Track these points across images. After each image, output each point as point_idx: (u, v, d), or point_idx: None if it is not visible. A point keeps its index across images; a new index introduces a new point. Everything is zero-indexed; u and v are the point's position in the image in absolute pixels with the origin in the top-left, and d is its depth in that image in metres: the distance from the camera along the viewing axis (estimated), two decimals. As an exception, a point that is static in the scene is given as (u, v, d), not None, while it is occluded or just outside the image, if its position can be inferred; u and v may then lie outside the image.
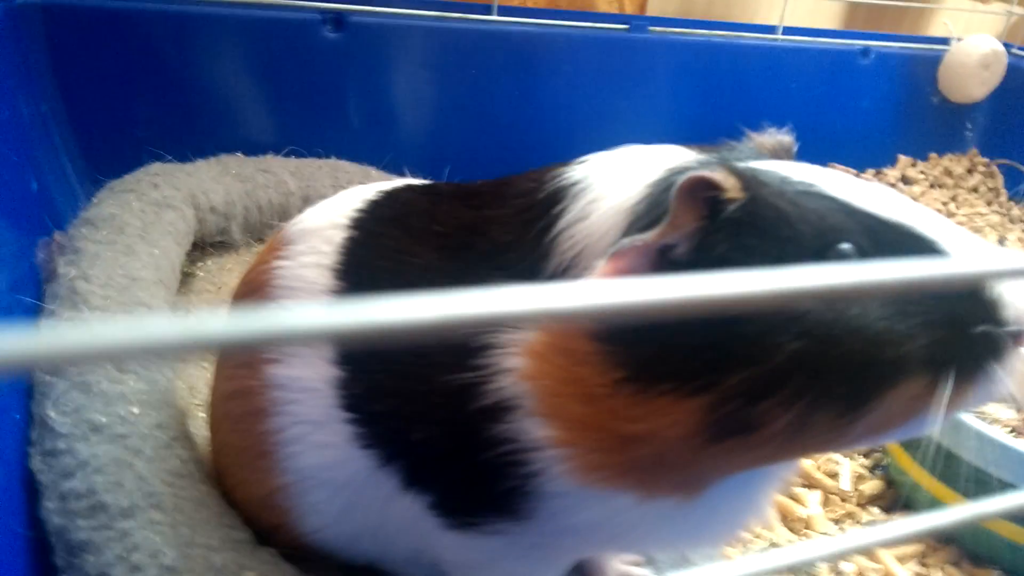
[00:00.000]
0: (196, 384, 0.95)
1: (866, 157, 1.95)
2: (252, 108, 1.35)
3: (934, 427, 0.44)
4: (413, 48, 1.44)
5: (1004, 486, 0.84)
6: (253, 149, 1.31)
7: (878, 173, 1.96)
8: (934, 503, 0.91)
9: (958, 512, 0.33)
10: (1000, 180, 1.99)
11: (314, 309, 0.19)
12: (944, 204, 1.88)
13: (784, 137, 0.58)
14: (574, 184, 0.55)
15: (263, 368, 0.63)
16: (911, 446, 0.96)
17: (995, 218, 1.86)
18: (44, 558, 0.65)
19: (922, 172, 1.98)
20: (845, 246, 0.45)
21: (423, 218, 0.60)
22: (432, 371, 0.53)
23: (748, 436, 0.46)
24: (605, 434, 0.49)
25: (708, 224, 0.46)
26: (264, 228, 1.23)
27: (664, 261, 0.47)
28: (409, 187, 0.67)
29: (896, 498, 0.99)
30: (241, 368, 0.66)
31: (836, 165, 1.93)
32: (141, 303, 0.89)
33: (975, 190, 1.97)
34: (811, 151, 1.90)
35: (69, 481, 0.66)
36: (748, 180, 0.47)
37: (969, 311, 0.45)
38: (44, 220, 1.00)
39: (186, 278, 1.10)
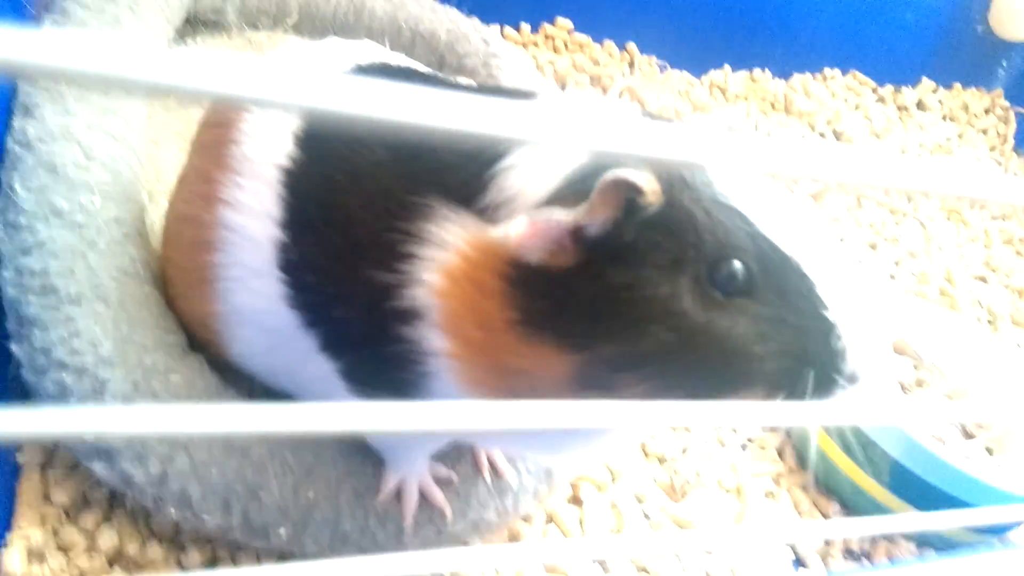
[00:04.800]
0: (163, 169, 0.99)
1: (891, 71, 1.90)
2: None
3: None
4: None
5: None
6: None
7: (896, 90, 1.92)
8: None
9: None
10: (1013, 128, 1.96)
11: (293, 80, 0.20)
12: (947, 139, 1.86)
13: None
14: None
15: (217, 206, 0.67)
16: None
17: (990, 166, 1.86)
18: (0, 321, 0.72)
19: (940, 100, 1.94)
20: (737, 265, 0.50)
21: None
22: (361, 262, 0.58)
23: (605, 394, 0.53)
24: (491, 360, 0.55)
25: (622, 216, 0.50)
26: (260, 15, 1.20)
27: (576, 237, 0.51)
28: (385, 68, 0.68)
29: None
30: (198, 198, 0.70)
31: (857, 74, 1.89)
32: (120, 84, 0.90)
33: (984, 131, 1.94)
34: (836, 53, 1.85)
35: (26, 258, 0.72)
36: (670, 185, 0.50)
37: (817, 350, 0.51)
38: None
39: (173, 54, 1.10)
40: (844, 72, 1.87)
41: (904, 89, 1.93)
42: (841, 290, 0.52)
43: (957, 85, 1.97)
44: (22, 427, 0.21)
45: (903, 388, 1.11)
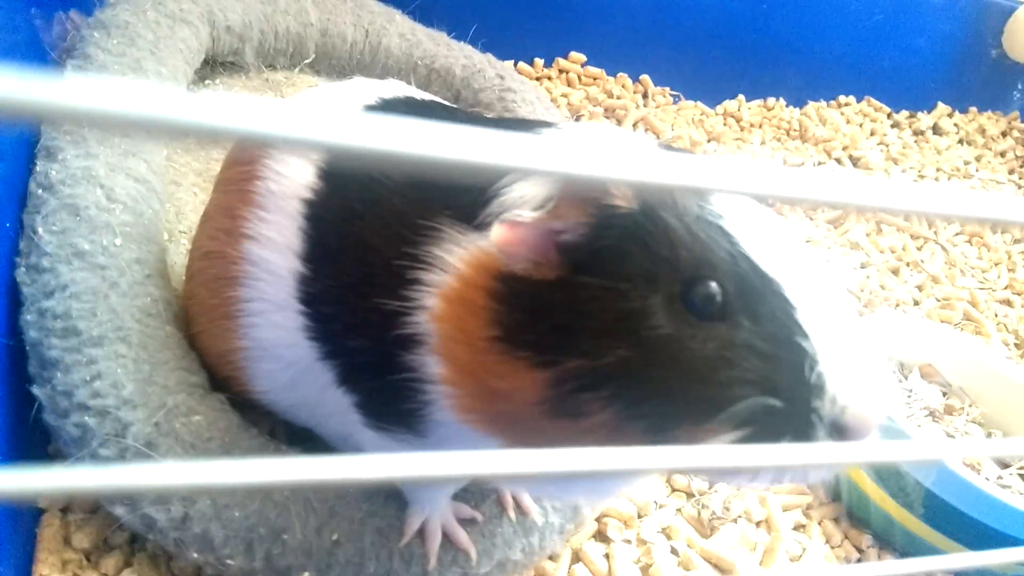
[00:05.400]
0: (183, 209, 1.00)
1: (905, 97, 1.90)
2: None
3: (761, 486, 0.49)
4: None
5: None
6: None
7: (911, 116, 1.92)
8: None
9: None
10: (1031, 150, 1.95)
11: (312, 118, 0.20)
12: (965, 163, 1.85)
13: None
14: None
15: (241, 241, 0.67)
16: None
17: (1010, 188, 1.85)
18: (21, 363, 0.72)
19: (956, 124, 1.93)
20: (712, 285, 0.47)
21: None
22: (372, 291, 0.58)
23: (576, 421, 0.50)
24: (479, 384, 0.54)
25: (598, 222, 0.49)
26: (278, 55, 1.22)
27: (560, 248, 0.50)
28: (408, 101, 0.69)
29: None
30: (222, 233, 0.70)
31: (872, 100, 1.88)
32: (141, 126, 0.91)
33: (1002, 155, 1.93)
34: (850, 80, 1.85)
35: (48, 300, 0.72)
36: (647, 197, 0.49)
37: (789, 382, 0.46)
38: None
39: (192, 96, 1.12)
40: (859, 99, 1.88)
41: (920, 114, 1.92)
42: (827, 317, 0.48)
43: (973, 109, 1.97)
44: (46, 484, 0.21)
45: (933, 415, 1.09)
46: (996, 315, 1.42)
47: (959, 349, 1.13)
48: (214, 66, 1.17)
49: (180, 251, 0.94)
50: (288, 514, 0.70)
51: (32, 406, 0.71)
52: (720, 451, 0.27)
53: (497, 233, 0.50)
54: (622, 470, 0.25)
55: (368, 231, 0.59)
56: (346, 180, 0.63)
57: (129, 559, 0.75)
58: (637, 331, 0.47)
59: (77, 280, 0.74)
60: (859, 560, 0.97)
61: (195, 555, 0.69)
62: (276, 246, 0.65)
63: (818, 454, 0.31)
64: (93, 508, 0.76)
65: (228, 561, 0.68)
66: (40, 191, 0.79)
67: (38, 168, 0.81)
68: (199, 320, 0.76)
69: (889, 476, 0.96)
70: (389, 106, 0.71)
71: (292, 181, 0.66)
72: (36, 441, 0.76)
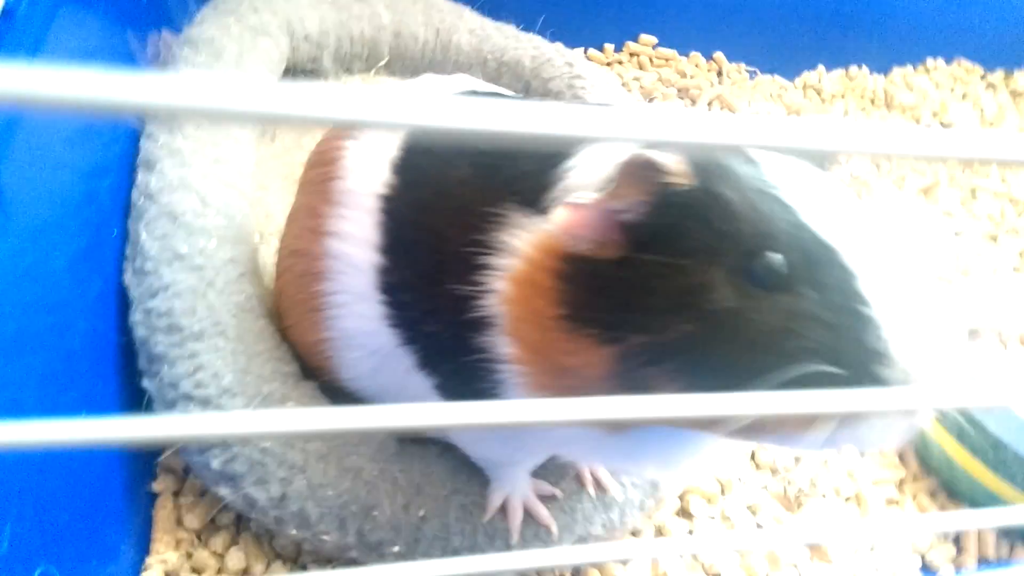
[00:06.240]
0: (272, 211, 1.05)
1: (999, 55, 1.80)
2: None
3: (814, 449, 0.48)
4: None
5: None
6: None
7: (1008, 75, 1.82)
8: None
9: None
10: None
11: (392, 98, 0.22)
12: (1068, 122, 1.74)
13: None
14: None
15: (324, 238, 0.72)
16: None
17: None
18: (132, 361, 0.79)
19: (1057, 81, 1.82)
20: (773, 257, 0.47)
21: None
22: (445, 277, 0.61)
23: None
24: (549, 361, 0.56)
25: (657, 200, 0.50)
26: (354, 59, 1.27)
27: (624, 227, 0.51)
28: (474, 93, 0.71)
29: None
30: (307, 232, 0.75)
31: (963, 61, 1.80)
32: (229, 135, 0.97)
33: (1110, 110, 1.81)
34: (937, 41, 1.77)
35: (153, 300, 0.79)
36: (706, 171, 0.49)
37: (852, 351, 0.46)
38: (154, 16, 1.07)
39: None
40: (948, 61, 1.79)
41: (1016, 73, 1.82)
42: (890, 284, 0.47)
43: (1077, 63, 1.85)
44: (154, 431, 0.24)
45: None
46: (1107, 279, 1.34)
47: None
48: (295, 74, 1.23)
49: (270, 251, 1.00)
50: (377, 492, 0.75)
51: (143, 398, 0.78)
52: (758, 398, 0.28)
53: (560, 216, 0.52)
54: (654, 417, 0.26)
55: (438, 221, 0.62)
56: (417, 174, 0.66)
57: (235, 537, 0.81)
58: (700, 305, 0.48)
59: (178, 280, 0.80)
60: (956, 539, 0.94)
61: (293, 532, 0.73)
62: (356, 241, 0.69)
63: (866, 401, 0.31)
64: (201, 491, 0.82)
65: (323, 537, 0.73)
66: (142, 200, 0.86)
67: (139, 179, 0.88)
68: (290, 314, 0.81)
69: (987, 448, 0.93)
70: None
71: (367, 179, 0.69)
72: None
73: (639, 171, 0.49)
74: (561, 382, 0.56)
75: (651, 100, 1.60)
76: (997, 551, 0.93)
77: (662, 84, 1.63)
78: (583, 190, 0.53)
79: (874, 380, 0.46)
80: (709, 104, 1.60)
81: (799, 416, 0.48)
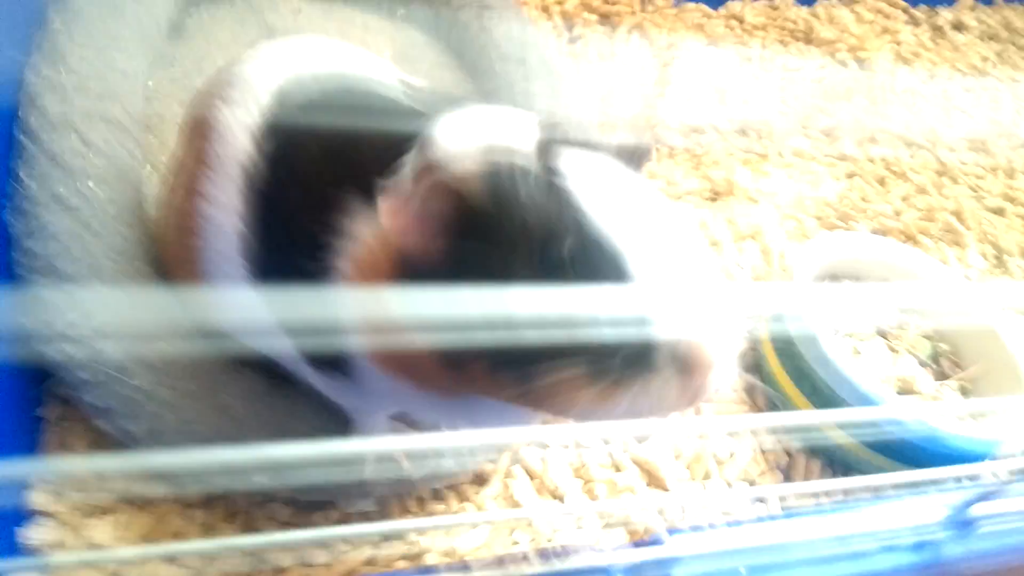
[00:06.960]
0: (168, 140, 1.07)
1: (926, -11, 1.81)
2: None
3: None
4: None
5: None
6: None
7: (931, 11, 1.84)
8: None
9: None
10: (1059, 45, 1.86)
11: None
12: (983, 59, 1.78)
13: (638, 144, 0.63)
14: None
15: (195, 197, 0.75)
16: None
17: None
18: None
19: (978, 19, 1.85)
20: (557, 248, 0.54)
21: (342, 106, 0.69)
22: (296, 252, 0.66)
23: (462, 371, 0.59)
24: (401, 364, 0.63)
25: (456, 203, 0.55)
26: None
27: (429, 220, 0.56)
28: (342, 76, 0.74)
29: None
30: (180, 187, 0.78)
31: (886, -6, 1.81)
32: (116, 68, 0.98)
33: (1026, 50, 1.85)
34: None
35: (29, 240, 0.82)
36: (494, 173, 0.54)
37: (632, 327, 0.53)
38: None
39: (176, 28, 1.17)
40: (874, -6, 1.80)
41: (940, 9, 1.84)
42: (665, 265, 0.54)
43: (1000, 0, 1.87)
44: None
45: (884, 336, 1.13)
46: (982, 224, 1.42)
47: (907, 264, 1.16)
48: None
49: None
50: (245, 429, 0.81)
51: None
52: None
53: (383, 211, 0.56)
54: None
55: (291, 198, 0.67)
56: (275, 148, 0.69)
57: (119, 461, 0.88)
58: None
59: (54, 222, 0.83)
60: (788, 463, 1.05)
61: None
62: (222, 206, 0.72)
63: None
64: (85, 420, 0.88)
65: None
66: (22, 137, 0.87)
67: (20, 115, 0.89)
68: (169, 260, 0.85)
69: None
70: (313, 88, 0.74)
71: (233, 147, 0.72)
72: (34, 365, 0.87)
73: (433, 179, 0.53)
74: (410, 372, 0.63)
75: (572, 26, 1.60)
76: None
77: (584, 8, 1.63)
78: (406, 187, 0.57)
79: (651, 350, 0.53)
80: (629, 31, 1.61)
81: (569, 386, 0.55)
